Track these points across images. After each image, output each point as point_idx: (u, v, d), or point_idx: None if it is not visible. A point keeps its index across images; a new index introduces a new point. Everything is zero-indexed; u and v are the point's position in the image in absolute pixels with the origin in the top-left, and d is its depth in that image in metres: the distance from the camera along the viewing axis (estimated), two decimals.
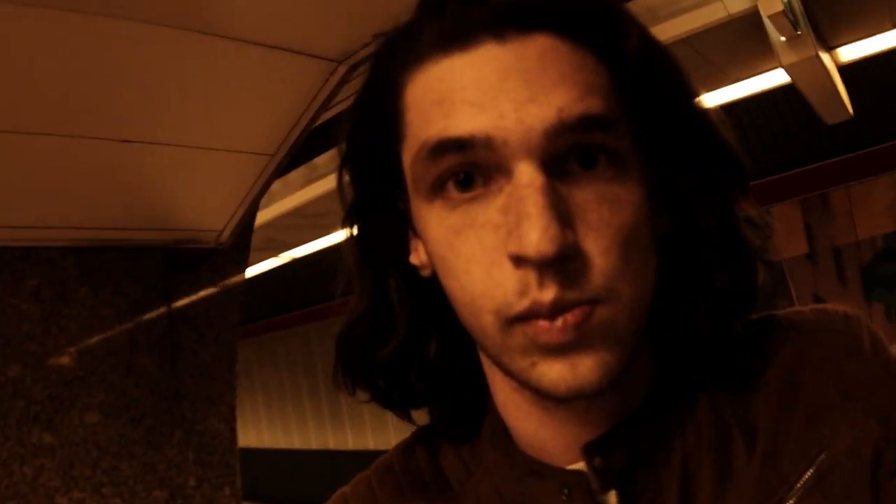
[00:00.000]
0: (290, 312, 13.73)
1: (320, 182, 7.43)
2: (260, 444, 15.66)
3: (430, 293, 0.83)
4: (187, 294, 3.04)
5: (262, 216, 5.86)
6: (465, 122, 0.70)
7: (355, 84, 2.40)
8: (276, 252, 10.44)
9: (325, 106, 2.41)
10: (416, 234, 0.83)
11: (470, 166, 0.71)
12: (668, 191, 0.78)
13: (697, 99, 0.81)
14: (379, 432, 12.68)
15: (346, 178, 0.89)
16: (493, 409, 0.90)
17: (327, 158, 7.12)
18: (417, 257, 0.85)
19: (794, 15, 4.60)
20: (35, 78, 2.03)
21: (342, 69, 2.25)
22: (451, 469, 0.94)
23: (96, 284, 2.82)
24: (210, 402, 3.03)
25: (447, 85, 0.72)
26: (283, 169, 2.70)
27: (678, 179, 0.79)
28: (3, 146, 2.21)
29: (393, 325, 0.87)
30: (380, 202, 0.86)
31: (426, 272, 0.84)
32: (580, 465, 0.82)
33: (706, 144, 0.80)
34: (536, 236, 0.65)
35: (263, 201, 2.98)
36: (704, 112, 0.81)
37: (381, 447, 12.38)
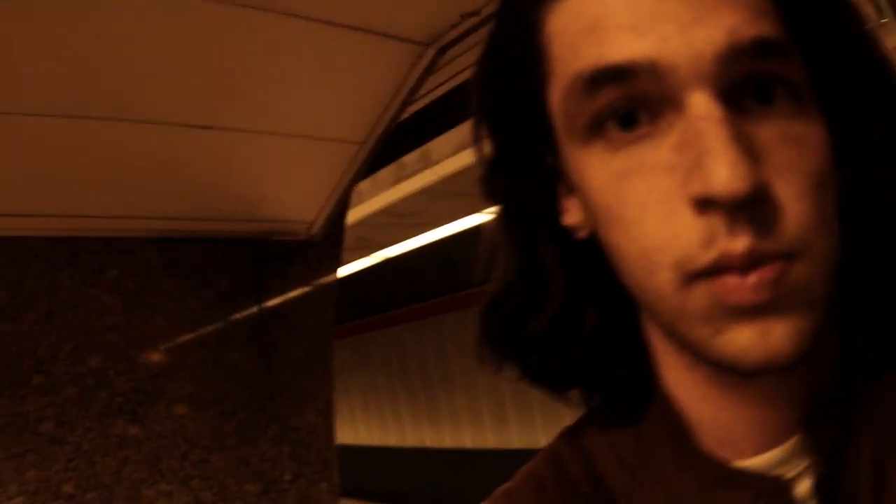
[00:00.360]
0: (383, 313, 13.79)
1: (409, 181, 7.42)
2: (356, 440, 15.80)
3: (587, 257, 0.75)
4: (279, 288, 2.99)
5: (353, 214, 5.88)
6: (623, 48, 0.62)
7: (445, 72, 2.35)
8: (367, 252, 10.49)
9: (414, 92, 2.35)
10: (569, 192, 0.75)
11: (633, 100, 0.63)
12: (843, 138, 0.68)
13: (873, 38, 0.70)
14: (476, 430, 12.65)
15: (483, 138, 0.79)
16: (662, 393, 0.80)
17: (416, 156, 7.13)
18: (572, 217, 0.76)
19: (878, 2, 4.49)
20: (111, 63, 1.99)
21: (430, 52, 2.18)
22: (612, 476, 0.83)
23: (182, 276, 2.79)
24: (306, 398, 2.99)
25: (597, 10, 0.64)
26: (371, 166, 2.66)
27: (855, 125, 0.69)
28: (77, 133, 2.19)
29: (546, 295, 0.78)
30: (525, 159, 0.76)
31: (582, 233, 0.75)
32: (764, 458, 0.72)
33: (886, 86, 0.70)
34: (725, 172, 0.56)
35: (353, 199, 2.94)
36: (882, 51, 0.71)
37: (479, 445, 12.38)
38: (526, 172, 0.77)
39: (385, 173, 7.44)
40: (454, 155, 6.78)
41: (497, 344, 0.83)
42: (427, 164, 6.97)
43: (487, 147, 0.79)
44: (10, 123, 2.14)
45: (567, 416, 0.90)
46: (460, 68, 3.16)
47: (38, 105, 2.12)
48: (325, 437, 3.01)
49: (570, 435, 0.90)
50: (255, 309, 2.91)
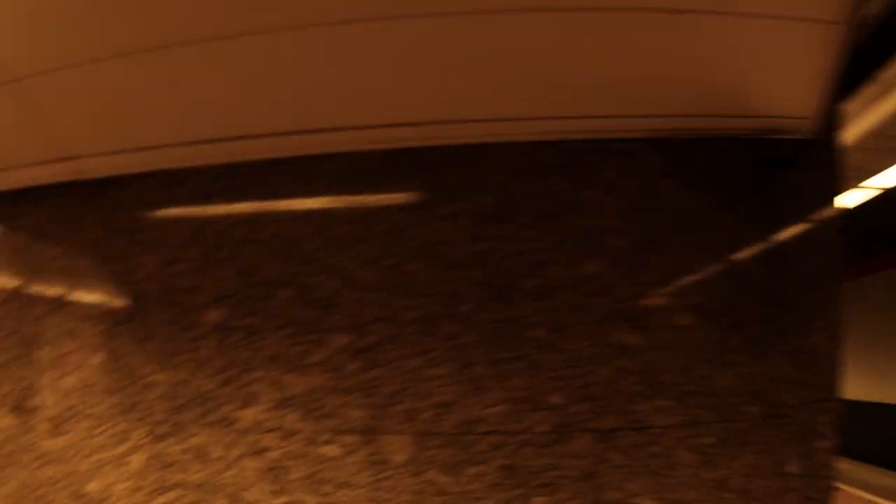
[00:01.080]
0: (882, 255, 13.05)
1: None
2: (853, 396, 15.08)
3: None
4: (784, 193, 2.78)
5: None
6: None
7: None
8: (856, 182, 9.89)
9: None
10: None
11: None
12: None
13: None
14: None
15: None
16: None
17: None
18: None
19: None
20: None
21: None
22: None
23: (682, 178, 2.67)
24: (814, 315, 2.75)
25: None
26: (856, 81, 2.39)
27: None
28: (549, 29, 2.15)
29: None
30: None
31: None
32: None
33: None
34: None
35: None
36: None
37: None
38: None
39: (869, 92, 6.97)
40: None
41: None
42: None
43: None
44: (498, 23, 2.13)
45: None
46: None
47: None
48: (831, 363, 2.75)
49: None
50: (761, 214, 2.72)
